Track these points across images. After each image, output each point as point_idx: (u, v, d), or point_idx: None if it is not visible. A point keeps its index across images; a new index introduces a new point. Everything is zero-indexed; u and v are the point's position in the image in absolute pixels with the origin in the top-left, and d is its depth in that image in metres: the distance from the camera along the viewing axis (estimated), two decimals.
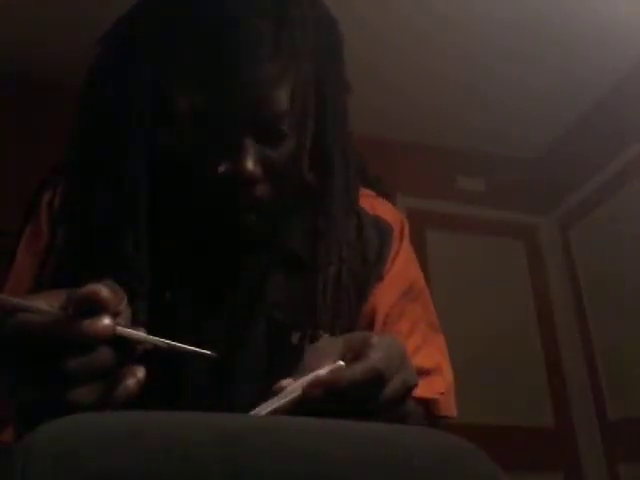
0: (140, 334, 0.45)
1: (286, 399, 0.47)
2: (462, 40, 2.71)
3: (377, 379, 0.48)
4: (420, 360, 0.75)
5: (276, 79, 0.64)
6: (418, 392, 0.73)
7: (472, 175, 3.36)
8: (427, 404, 0.74)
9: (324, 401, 0.46)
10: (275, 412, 0.46)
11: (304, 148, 0.68)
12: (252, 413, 0.46)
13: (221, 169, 0.63)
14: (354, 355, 0.51)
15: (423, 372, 0.74)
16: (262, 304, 0.70)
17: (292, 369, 0.53)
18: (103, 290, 0.43)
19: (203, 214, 0.66)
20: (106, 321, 0.43)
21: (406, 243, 0.81)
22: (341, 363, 0.49)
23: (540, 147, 3.41)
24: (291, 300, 0.71)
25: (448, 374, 0.78)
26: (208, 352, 0.47)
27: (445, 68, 2.84)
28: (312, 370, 0.49)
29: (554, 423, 3.01)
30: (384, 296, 0.76)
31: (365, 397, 0.47)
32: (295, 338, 0.68)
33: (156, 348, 0.46)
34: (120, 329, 0.44)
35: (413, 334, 0.76)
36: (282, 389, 0.48)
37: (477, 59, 2.81)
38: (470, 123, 3.17)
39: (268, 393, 0.49)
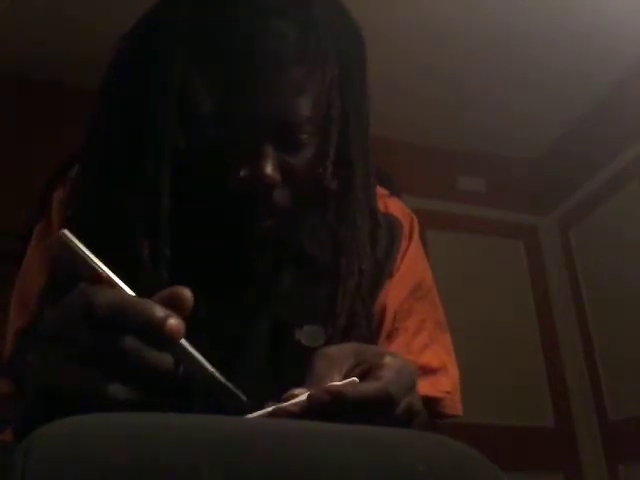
0: (196, 353, 0.45)
1: (291, 402, 0.46)
2: (462, 40, 2.71)
3: (386, 401, 0.48)
4: (427, 358, 0.75)
5: (300, 84, 0.63)
6: (424, 390, 0.74)
7: (472, 175, 3.36)
8: (433, 403, 0.74)
9: (328, 410, 0.45)
10: (278, 414, 0.46)
11: (328, 156, 0.68)
12: (255, 415, 0.46)
13: (240, 173, 0.62)
14: (364, 370, 0.51)
15: (429, 371, 0.75)
16: (269, 304, 0.70)
17: (297, 370, 0.52)
18: (187, 293, 0.44)
19: (220, 217, 0.66)
20: (181, 325, 0.42)
21: (415, 241, 0.81)
22: (355, 379, 0.49)
23: (540, 147, 3.41)
24: (299, 300, 0.71)
25: (454, 373, 0.79)
26: (243, 396, 0.46)
27: (445, 68, 2.84)
28: (322, 379, 0.49)
29: (554, 423, 3.01)
30: (393, 293, 0.76)
31: (370, 416, 0.47)
32: (299, 335, 0.68)
33: (193, 373, 0.45)
34: (184, 341, 0.43)
35: (420, 332, 0.77)
36: (293, 396, 0.47)
37: (477, 59, 2.81)
38: (470, 123, 3.17)
39: (272, 393, 0.49)
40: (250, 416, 0.46)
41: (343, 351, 0.53)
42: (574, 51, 2.75)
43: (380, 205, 0.79)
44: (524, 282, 3.26)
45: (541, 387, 3.06)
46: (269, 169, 0.62)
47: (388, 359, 0.51)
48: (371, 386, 0.48)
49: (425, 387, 0.73)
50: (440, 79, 2.91)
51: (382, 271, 0.75)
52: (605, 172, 3.01)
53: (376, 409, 0.48)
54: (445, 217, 3.17)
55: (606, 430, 2.89)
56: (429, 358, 0.75)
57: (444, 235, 3.12)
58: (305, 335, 0.68)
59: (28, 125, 2.71)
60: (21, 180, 2.56)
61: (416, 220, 0.83)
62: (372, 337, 0.72)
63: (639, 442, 2.63)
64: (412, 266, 0.79)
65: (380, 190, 0.80)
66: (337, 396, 0.45)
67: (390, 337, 0.75)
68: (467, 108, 3.06)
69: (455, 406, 0.77)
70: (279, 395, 0.49)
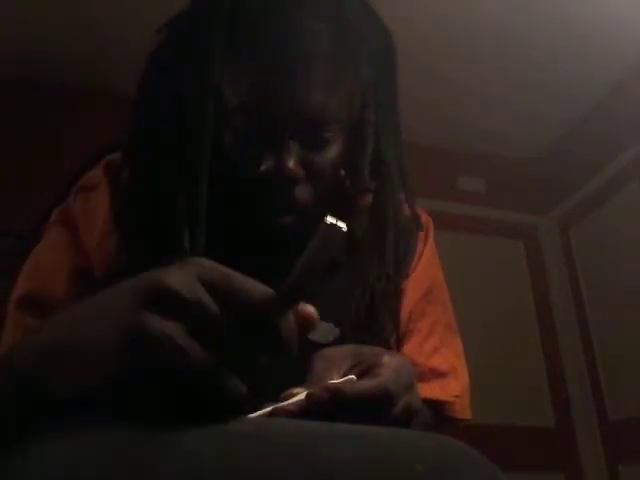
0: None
1: (289, 401, 0.46)
2: (462, 40, 2.71)
3: (385, 398, 0.48)
4: (437, 362, 0.76)
5: (329, 83, 0.63)
6: (433, 394, 0.74)
7: (472, 175, 3.36)
8: (442, 406, 0.75)
9: (328, 408, 0.45)
10: (277, 413, 0.46)
11: (365, 155, 0.68)
12: (255, 415, 0.46)
13: (263, 167, 0.63)
14: (363, 369, 0.51)
15: (439, 374, 0.75)
16: None
17: (302, 366, 0.52)
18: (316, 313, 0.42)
19: (241, 211, 0.66)
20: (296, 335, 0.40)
21: (430, 244, 0.82)
22: (353, 377, 0.49)
23: (540, 147, 3.41)
24: (315, 297, 0.71)
25: (463, 376, 0.79)
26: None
27: (445, 68, 2.84)
28: (321, 378, 0.49)
29: (554, 423, 3.01)
30: (408, 294, 0.77)
31: (369, 414, 0.47)
32: (314, 335, 0.68)
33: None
34: None
35: (432, 335, 0.77)
36: (292, 396, 0.47)
37: (477, 59, 2.81)
38: (470, 123, 3.17)
39: (277, 390, 0.49)
40: (250, 416, 0.46)
41: (342, 351, 0.54)
42: (574, 51, 2.74)
43: None
44: (524, 282, 3.25)
45: (541, 387, 3.05)
46: (292, 163, 0.63)
47: (386, 358, 0.51)
48: (369, 383, 0.48)
49: (435, 391, 0.74)
50: (440, 79, 2.91)
51: (400, 273, 0.75)
52: (605, 172, 3.00)
53: (375, 407, 0.48)
54: (445, 217, 3.16)
55: (606, 430, 2.89)
56: (439, 361, 0.76)
57: (444, 235, 3.11)
58: (314, 332, 0.68)
59: (28, 125, 2.71)
60: (21, 180, 2.56)
61: (432, 223, 0.83)
62: (390, 337, 0.72)
63: (639, 442, 2.63)
64: (427, 268, 0.79)
65: None
66: (335, 393, 0.45)
67: (403, 338, 0.75)
68: (467, 108, 3.06)
69: (464, 410, 0.77)
70: (284, 391, 0.49)
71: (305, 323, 0.41)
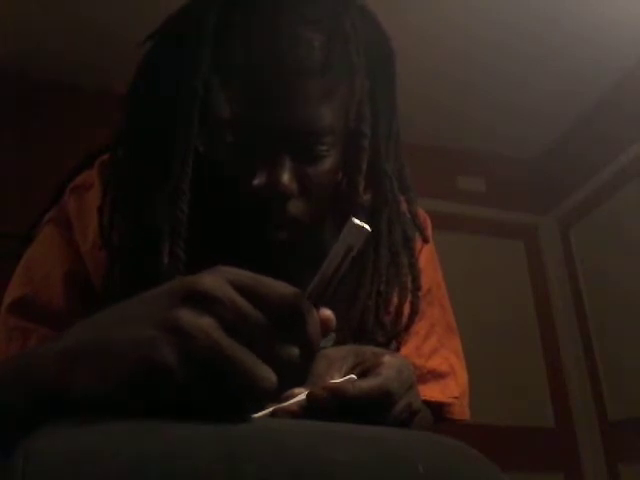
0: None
1: (291, 401, 0.46)
2: (462, 40, 2.71)
3: (386, 398, 0.48)
4: (436, 363, 0.76)
5: (323, 95, 0.62)
6: (433, 395, 0.73)
7: (472, 175, 3.36)
8: (440, 407, 0.75)
9: (328, 408, 0.45)
10: (279, 413, 0.46)
11: (360, 170, 0.67)
12: (257, 415, 0.46)
13: (255, 182, 0.61)
14: (363, 369, 0.51)
15: (438, 375, 0.75)
16: None
17: (299, 370, 0.52)
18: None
19: (235, 227, 0.65)
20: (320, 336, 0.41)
21: (428, 244, 0.81)
22: (353, 376, 0.49)
23: (540, 147, 3.41)
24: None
25: (462, 377, 0.79)
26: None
27: (445, 68, 2.84)
28: (321, 378, 0.49)
29: (554, 423, 3.01)
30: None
31: (370, 413, 0.47)
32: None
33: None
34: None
35: (430, 336, 0.77)
36: (293, 396, 0.47)
37: (477, 59, 2.81)
38: (470, 123, 3.17)
39: (275, 393, 0.49)
40: (254, 415, 0.46)
41: (342, 351, 0.53)
42: (574, 51, 2.75)
43: None
44: (524, 282, 3.26)
45: (541, 387, 3.06)
46: (284, 178, 0.61)
47: (387, 358, 0.51)
48: (370, 383, 0.48)
49: (434, 392, 0.73)
50: (440, 79, 2.91)
51: (390, 289, 0.75)
52: (605, 172, 3.01)
53: (375, 406, 0.48)
54: (445, 217, 3.17)
55: (606, 430, 2.89)
56: (438, 362, 0.76)
57: (444, 235, 3.11)
58: None
59: (28, 125, 2.71)
60: (21, 180, 2.56)
61: (429, 222, 0.83)
62: (390, 341, 0.71)
63: (639, 442, 2.63)
64: (425, 269, 0.78)
65: None
66: (336, 393, 0.45)
67: (402, 339, 0.75)
68: (467, 108, 3.06)
69: (463, 411, 0.77)
70: (279, 395, 0.49)
71: (323, 326, 0.41)
